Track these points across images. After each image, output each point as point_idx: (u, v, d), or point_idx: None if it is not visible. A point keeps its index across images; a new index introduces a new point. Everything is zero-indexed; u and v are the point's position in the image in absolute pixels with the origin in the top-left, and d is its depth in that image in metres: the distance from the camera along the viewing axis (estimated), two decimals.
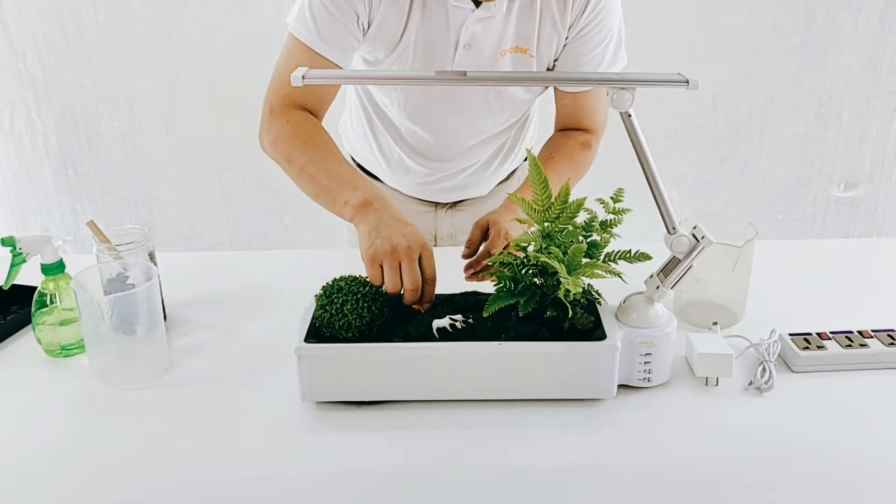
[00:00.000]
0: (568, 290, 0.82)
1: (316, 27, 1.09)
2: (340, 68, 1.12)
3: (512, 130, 1.32)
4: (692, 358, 0.92)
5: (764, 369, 0.91)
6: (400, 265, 0.90)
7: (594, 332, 0.87)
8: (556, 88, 1.25)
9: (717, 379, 0.91)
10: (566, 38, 1.15)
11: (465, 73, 0.88)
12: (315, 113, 1.18)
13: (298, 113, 1.16)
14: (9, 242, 1.00)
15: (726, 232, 0.98)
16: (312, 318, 0.89)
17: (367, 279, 0.91)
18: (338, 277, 0.91)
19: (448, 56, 1.13)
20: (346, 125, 1.46)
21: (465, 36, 1.10)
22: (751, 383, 0.91)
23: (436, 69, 1.13)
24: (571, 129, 1.27)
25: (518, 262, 0.89)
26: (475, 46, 1.12)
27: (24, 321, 1.07)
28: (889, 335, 0.96)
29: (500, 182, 1.42)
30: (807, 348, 0.94)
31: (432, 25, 1.10)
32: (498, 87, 1.19)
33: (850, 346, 0.94)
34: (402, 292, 0.90)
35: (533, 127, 1.39)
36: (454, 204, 1.42)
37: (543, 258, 0.83)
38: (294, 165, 1.15)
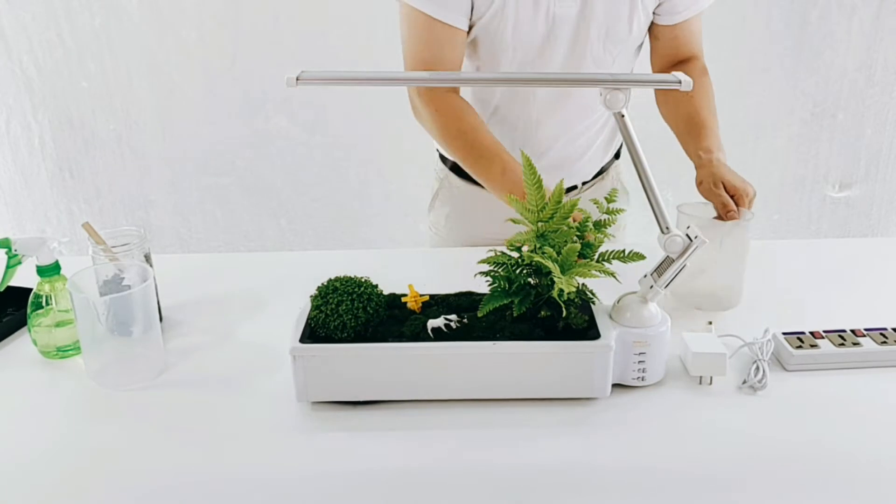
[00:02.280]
0: (562, 290, 0.82)
1: None
2: (463, 31, 1.16)
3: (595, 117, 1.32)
4: (686, 357, 0.93)
5: (758, 368, 0.92)
6: None
7: (588, 331, 0.87)
8: (654, 24, 1.25)
9: (711, 378, 0.91)
10: None
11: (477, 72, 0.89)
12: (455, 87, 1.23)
13: (440, 101, 1.20)
14: (4, 244, 1.00)
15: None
16: (307, 319, 0.89)
17: (363, 279, 0.91)
18: (333, 278, 0.91)
19: None
20: None
21: None
22: (744, 382, 0.91)
23: (540, 8, 1.16)
24: (676, 62, 1.29)
25: (512, 262, 0.89)
26: None
27: (20, 323, 1.07)
28: (882, 334, 0.96)
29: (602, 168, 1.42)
30: (800, 347, 0.94)
31: None
32: (606, 30, 1.20)
33: (843, 344, 0.95)
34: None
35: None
36: None
37: (538, 258, 0.84)
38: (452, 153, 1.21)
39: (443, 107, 1.20)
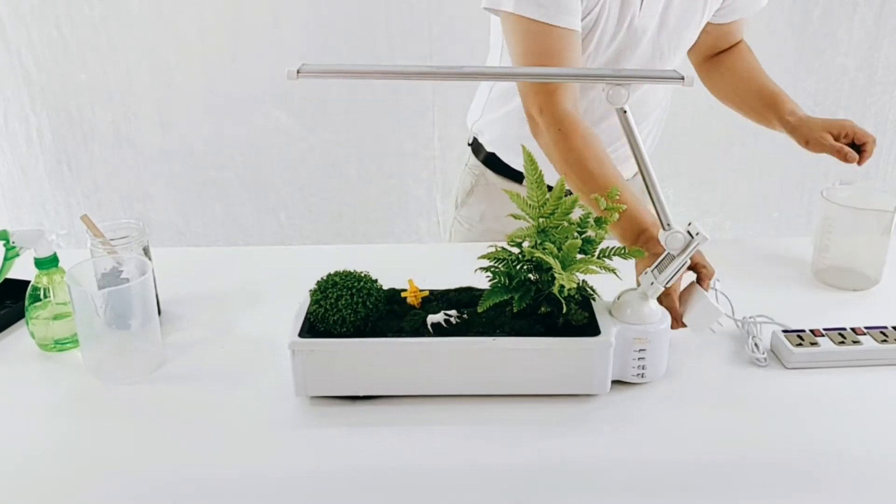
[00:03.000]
0: (562, 286, 0.82)
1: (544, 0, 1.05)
2: (579, 32, 1.11)
3: (652, 116, 1.35)
4: (689, 314, 0.94)
5: (756, 345, 0.96)
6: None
7: (588, 327, 0.87)
8: (708, 22, 1.26)
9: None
10: None
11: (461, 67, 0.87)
12: (576, 94, 1.14)
13: (558, 128, 1.09)
14: (2, 236, 1.00)
15: (870, 200, 1.11)
16: (307, 313, 0.89)
17: (363, 274, 0.91)
18: (333, 272, 0.91)
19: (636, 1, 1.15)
20: (488, 110, 1.39)
21: None
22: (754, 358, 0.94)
23: (624, 19, 1.16)
24: (715, 55, 1.33)
25: (513, 257, 0.89)
26: None
27: (18, 315, 1.07)
28: (882, 332, 0.96)
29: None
30: (800, 345, 0.94)
31: None
32: (679, 39, 1.22)
33: (843, 342, 0.94)
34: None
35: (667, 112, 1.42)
36: None
37: (538, 254, 0.83)
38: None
39: (565, 126, 1.09)
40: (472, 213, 1.45)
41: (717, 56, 1.36)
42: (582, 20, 1.12)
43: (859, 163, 1.13)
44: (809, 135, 1.17)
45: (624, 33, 1.18)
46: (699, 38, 1.29)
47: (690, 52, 1.33)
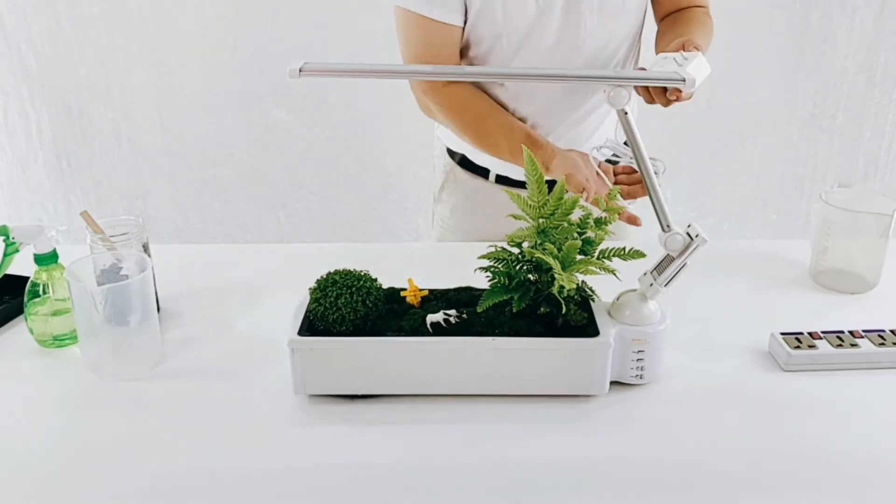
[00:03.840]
0: (562, 287, 0.82)
1: None
2: (458, 28, 1.15)
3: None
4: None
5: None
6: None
7: (587, 328, 0.87)
8: None
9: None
10: None
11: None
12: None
13: (443, 95, 1.21)
14: (2, 232, 1.00)
15: (869, 203, 1.10)
16: (306, 312, 0.89)
17: (363, 273, 0.91)
18: (332, 271, 0.91)
19: None
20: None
21: None
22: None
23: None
24: (677, 9, 1.27)
25: (512, 257, 0.89)
26: None
27: (17, 311, 1.06)
28: (880, 335, 0.96)
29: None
30: (798, 347, 0.94)
31: None
32: (599, 4, 1.18)
33: (840, 345, 0.95)
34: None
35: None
36: None
37: (538, 254, 0.84)
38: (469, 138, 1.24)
39: (446, 100, 1.20)
40: (444, 209, 1.46)
41: (672, 14, 1.28)
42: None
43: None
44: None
45: (534, 1, 1.15)
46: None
47: (656, 12, 1.29)
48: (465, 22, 1.17)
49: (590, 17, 1.18)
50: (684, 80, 0.82)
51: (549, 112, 1.27)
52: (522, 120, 1.27)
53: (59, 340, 1.00)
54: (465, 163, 1.38)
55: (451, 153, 1.41)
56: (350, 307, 0.86)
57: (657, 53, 1.19)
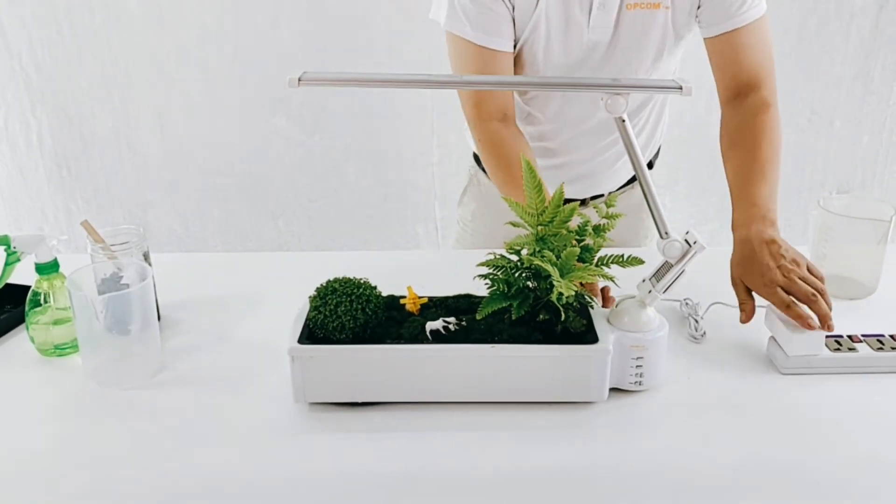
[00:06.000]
0: (561, 294, 0.82)
1: (472, 19, 1.10)
2: (511, 54, 1.14)
3: (642, 114, 1.30)
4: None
5: (697, 322, 1.02)
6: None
7: (586, 335, 0.87)
8: (704, 40, 1.18)
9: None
10: None
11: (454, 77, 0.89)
12: (508, 110, 1.19)
13: (491, 134, 1.18)
14: (3, 241, 1.00)
15: (867, 209, 1.12)
16: (306, 320, 0.89)
17: (362, 281, 0.91)
18: (332, 279, 0.91)
19: (583, 19, 1.13)
20: None
21: None
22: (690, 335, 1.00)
23: (572, 36, 1.14)
24: (737, 89, 1.22)
25: (511, 265, 0.89)
26: (607, 5, 1.11)
27: (18, 320, 1.07)
28: (878, 340, 0.97)
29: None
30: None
31: None
32: (633, 57, 1.17)
33: (838, 349, 0.95)
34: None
35: (666, 116, 1.37)
36: (584, 201, 1.39)
37: (537, 261, 0.84)
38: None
39: (485, 136, 1.19)
40: (466, 213, 1.48)
41: (736, 100, 1.24)
42: (524, 30, 1.14)
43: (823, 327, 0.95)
44: (733, 277, 1.04)
45: (576, 47, 1.16)
46: (712, 62, 1.21)
47: (717, 84, 1.23)
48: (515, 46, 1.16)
49: (625, 67, 1.18)
50: (681, 88, 0.82)
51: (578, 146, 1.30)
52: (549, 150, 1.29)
53: (60, 349, 1.00)
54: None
55: (477, 158, 1.42)
56: (350, 315, 0.86)
57: (727, 175, 1.20)
